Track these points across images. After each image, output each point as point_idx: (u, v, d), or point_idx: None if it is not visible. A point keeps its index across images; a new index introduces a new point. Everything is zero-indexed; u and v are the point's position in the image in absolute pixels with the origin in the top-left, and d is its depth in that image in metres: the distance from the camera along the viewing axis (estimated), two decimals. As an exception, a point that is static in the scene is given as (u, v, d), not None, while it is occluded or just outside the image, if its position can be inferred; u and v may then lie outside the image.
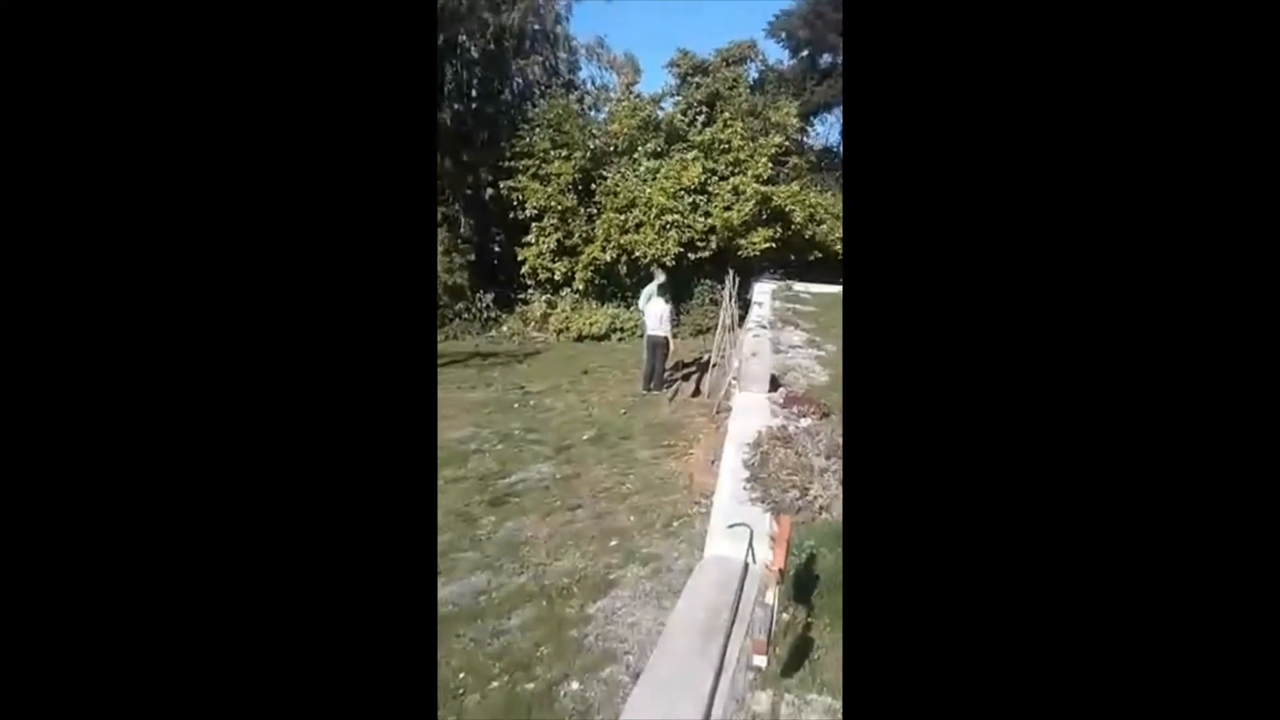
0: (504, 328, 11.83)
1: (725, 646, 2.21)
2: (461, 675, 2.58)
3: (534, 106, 12.51)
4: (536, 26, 13.40)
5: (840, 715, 2.04)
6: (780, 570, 2.08)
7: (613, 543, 3.68)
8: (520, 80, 13.24)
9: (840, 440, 3.89)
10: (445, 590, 3.18)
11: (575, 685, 2.50)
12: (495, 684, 2.53)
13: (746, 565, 2.63)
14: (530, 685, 2.51)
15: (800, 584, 2.62)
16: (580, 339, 11.19)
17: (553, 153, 11.74)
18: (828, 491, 3.33)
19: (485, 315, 12.02)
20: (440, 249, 11.37)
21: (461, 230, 12.35)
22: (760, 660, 1.91)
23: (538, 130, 11.98)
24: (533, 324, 11.77)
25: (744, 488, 3.52)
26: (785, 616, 2.46)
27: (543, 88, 13.27)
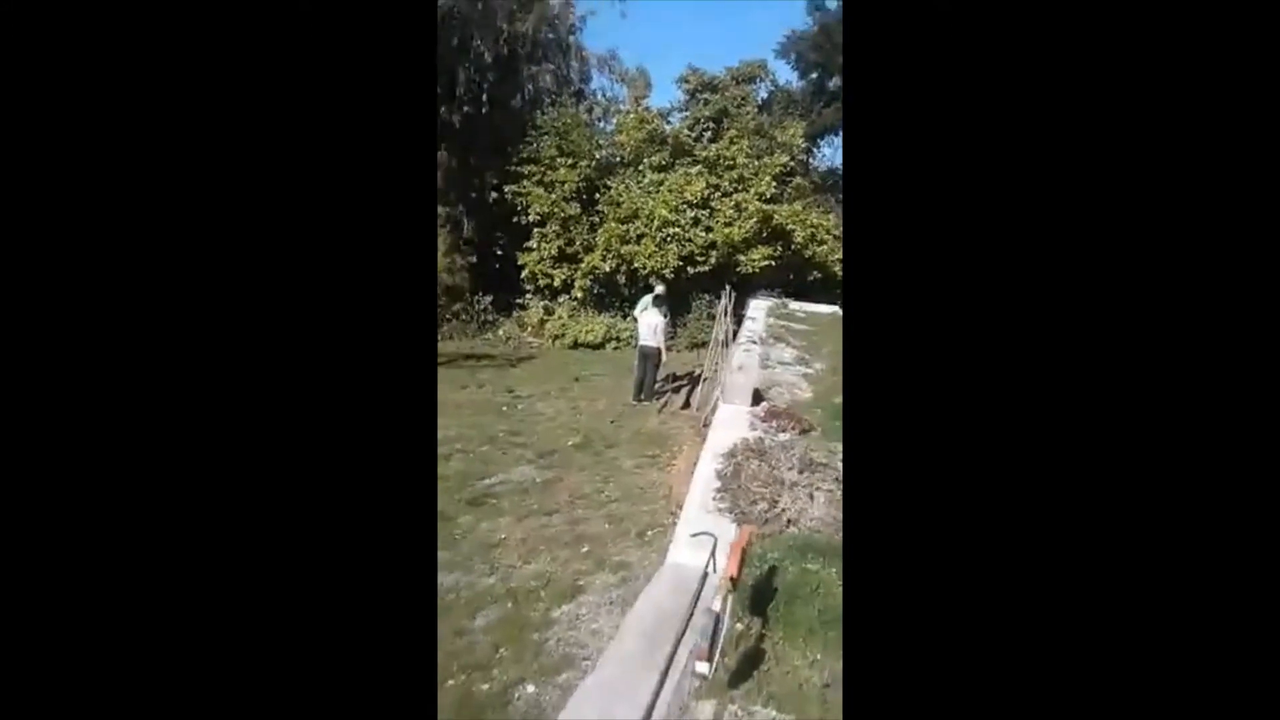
0: (500, 331, 11.89)
1: (673, 652, 2.22)
2: (418, 672, 2.58)
3: (543, 114, 12.64)
4: (550, 35, 13.60)
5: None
6: (732, 578, 2.09)
7: (585, 549, 3.67)
8: (531, 87, 13.38)
9: (815, 456, 3.91)
10: (412, 587, 3.18)
11: (531, 689, 2.48)
12: (451, 682, 2.52)
13: (705, 574, 2.64)
14: (486, 686, 2.50)
15: (759, 596, 2.63)
16: (576, 346, 11.23)
17: (559, 160, 11.86)
18: (796, 504, 3.34)
19: (482, 318, 12.09)
20: (442, 250, 11.45)
21: (464, 233, 12.46)
22: (703, 667, 1.91)
23: (545, 137, 12.11)
24: (529, 329, 11.83)
25: (714, 498, 3.53)
26: (740, 627, 2.47)
27: (553, 96, 13.42)
